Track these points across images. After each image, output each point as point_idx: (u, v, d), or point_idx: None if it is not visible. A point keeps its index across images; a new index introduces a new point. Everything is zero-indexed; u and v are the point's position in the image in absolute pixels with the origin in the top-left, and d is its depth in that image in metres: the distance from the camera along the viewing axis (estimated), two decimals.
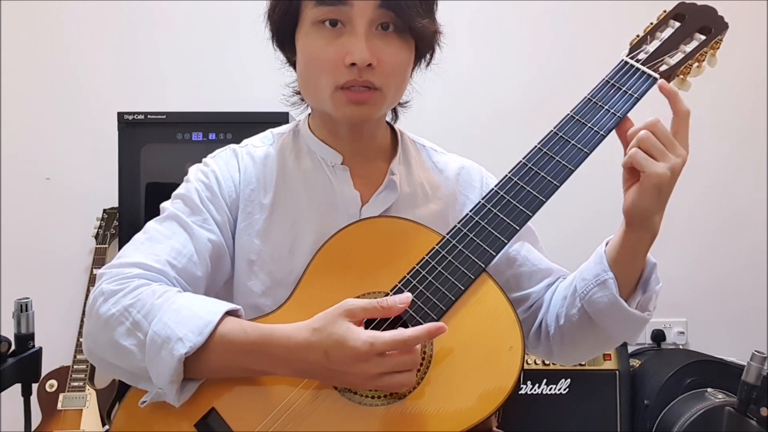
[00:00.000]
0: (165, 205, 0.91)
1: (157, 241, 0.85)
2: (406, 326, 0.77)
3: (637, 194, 0.78)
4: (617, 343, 0.91)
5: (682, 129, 0.79)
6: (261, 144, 0.98)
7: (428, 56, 0.94)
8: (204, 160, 0.96)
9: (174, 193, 0.92)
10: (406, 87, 0.93)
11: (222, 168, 0.93)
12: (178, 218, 0.87)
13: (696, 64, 0.87)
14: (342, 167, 0.94)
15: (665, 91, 0.82)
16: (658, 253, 0.86)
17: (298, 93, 0.97)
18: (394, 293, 0.79)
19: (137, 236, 0.87)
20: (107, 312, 0.77)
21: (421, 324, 0.76)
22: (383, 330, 0.72)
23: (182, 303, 0.77)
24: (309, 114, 1.00)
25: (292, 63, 0.95)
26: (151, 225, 0.88)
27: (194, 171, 0.94)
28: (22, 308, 1.14)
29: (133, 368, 0.76)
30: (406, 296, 0.74)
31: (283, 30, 0.90)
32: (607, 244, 0.86)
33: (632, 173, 0.80)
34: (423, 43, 0.90)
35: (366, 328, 0.74)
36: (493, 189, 0.84)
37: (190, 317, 0.75)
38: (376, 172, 0.95)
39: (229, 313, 0.77)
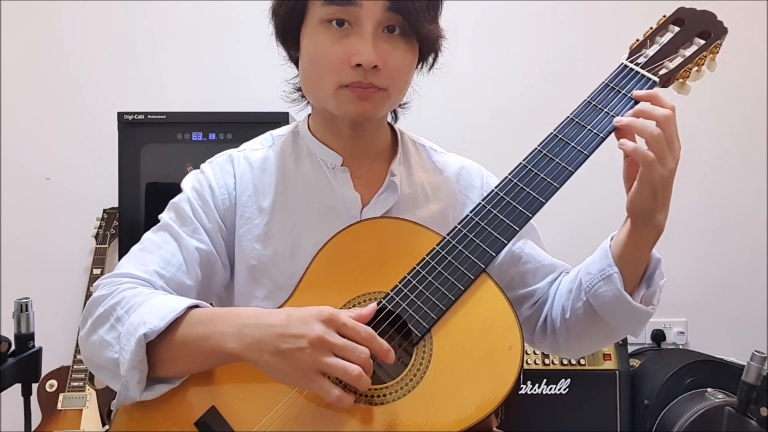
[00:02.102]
0: (162, 216, 0.93)
1: (149, 251, 0.88)
2: (404, 326, 0.78)
3: (635, 193, 0.80)
4: (622, 335, 0.93)
5: (673, 125, 0.79)
6: (260, 146, 0.98)
7: (431, 60, 0.94)
8: (201, 166, 0.97)
9: (170, 202, 0.94)
10: (407, 90, 0.93)
11: (217, 175, 0.94)
12: (170, 228, 0.90)
13: (695, 68, 0.87)
14: (342, 169, 0.94)
15: (643, 98, 0.82)
16: (658, 252, 0.86)
17: (299, 90, 0.97)
18: (395, 293, 0.79)
19: (134, 247, 0.90)
20: (96, 313, 0.80)
21: (422, 324, 0.77)
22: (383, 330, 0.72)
23: (162, 299, 0.79)
24: (309, 114, 1.00)
25: (294, 60, 0.95)
26: (146, 235, 0.91)
27: (189, 179, 0.95)
28: (22, 308, 1.14)
29: (110, 362, 0.77)
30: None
31: (289, 26, 0.90)
32: (611, 239, 0.87)
33: (632, 168, 0.81)
34: (427, 47, 0.90)
35: None
36: (493, 190, 0.84)
37: (161, 307, 0.77)
38: (376, 173, 0.95)
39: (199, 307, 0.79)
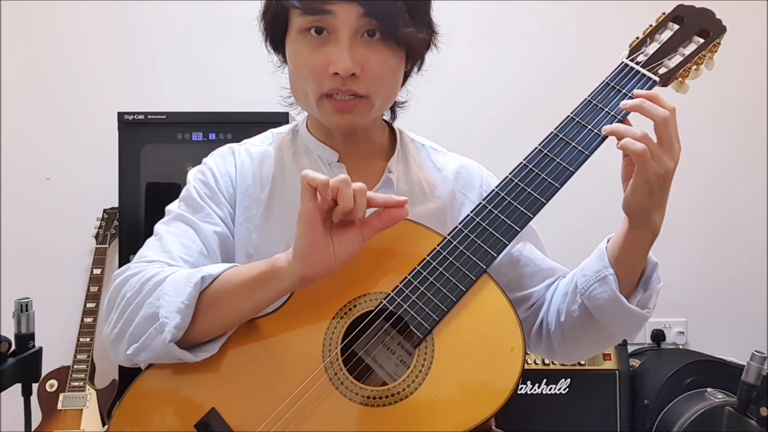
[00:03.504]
0: (170, 208, 0.93)
1: (167, 240, 0.88)
2: (407, 327, 0.78)
3: (630, 190, 0.80)
4: (617, 340, 0.92)
5: (671, 126, 0.79)
6: (260, 143, 1.00)
7: (419, 62, 0.94)
8: (203, 160, 0.98)
9: (180, 196, 0.95)
10: (396, 93, 0.93)
11: (219, 164, 0.95)
12: (183, 217, 0.90)
13: (694, 67, 0.87)
14: (338, 165, 0.94)
15: (643, 97, 0.81)
16: (657, 252, 0.86)
17: None
18: (396, 294, 0.79)
19: (149, 240, 0.90)
20: (131, 290, 0.79)
21: (423, 325, 0.77)
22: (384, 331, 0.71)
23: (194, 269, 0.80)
24: (308, 114, 1.00)
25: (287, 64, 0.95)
26: (159, 227, 0.91)
27: (193, 172, 0.97)
28: (22, 308, 1.14)
29: (145, 320, 0.76)
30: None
31: (274, 34, 0.91)
32: (608, 241, 0.87)
33: (629, 168, 0.81)
34: (412, 51, 0.89)
35: (361, 326, 0.78)
36: (494, 190, 0.84)
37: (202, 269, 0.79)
38: (373, 170, 0.96)
39: None
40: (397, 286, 0.79)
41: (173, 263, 0.84)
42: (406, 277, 0.80)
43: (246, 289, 0.77)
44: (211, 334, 0.78)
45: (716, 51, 0.88)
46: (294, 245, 0.74)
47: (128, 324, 0.78)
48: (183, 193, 0.94)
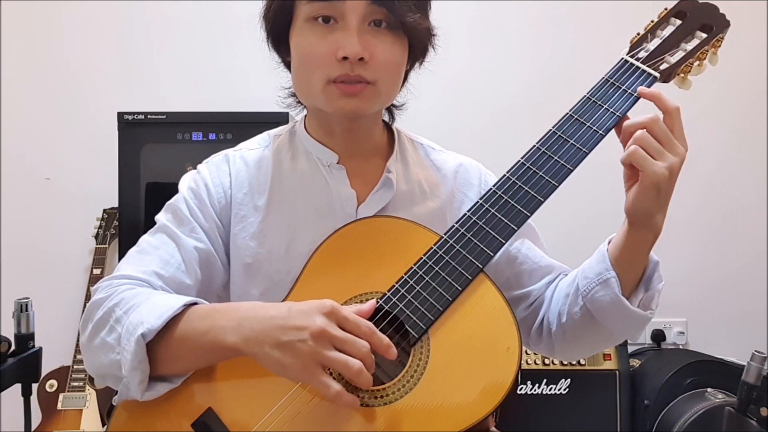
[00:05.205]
0: (158, 217, 0.93)
1: (147, 253, 0.88)
2: (402, 327, 0.78)
3: (636, 194, 0.79)
4: (619, 340, 0.92)
5: (676, 126, 0.79)
6: (257, 146, 0.99)
7: (422, 55, 0.94)
8: (198, 166, 0.98)
9: (166, 203, 0.94)
10: (399, 85, 0.93)
11: (213, 174, 0.94)
12: (167, 229, 0.90)
13: (697, 62, 0.86)
14: (338, 166, 0.94)
15: (647, 96, 0.81)
16: (657, 252, 0.86)
17: (294, 95, 0.98)
18: (392, 294, 0.79)
19: (131, 251, 0.90)
20: (96, 317, 0.80)
21: (419, 324, 0.77)
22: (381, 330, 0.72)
23: (160, 298, 0.79)
24: (305, 115, 1.00)
25: (287, 64, 0.95)
26: (143, 238, 0.91)
27: (186, 179, 0.96)
28: (22, 308, 1.14)
29: (113, 365, 0.77)
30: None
31: (278, 29, 0.91)
32: (609, 242, 0.86)
33: (633, 171, 0.80)
34: (416, 41, 0.90)
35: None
36: (491, 189, 0.83)
37: (159, 306, 0.76)
38: (372, 170, 0.95)
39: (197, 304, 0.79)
40: (393, 285, 0.79)
41: (147, 278, 0.84)
42: (402, 277, 0.80)
43: (196, 353, 0.76)
44: (176, 369, 0.78)
45: (719, 46, 0.87)
46: (271, 356, 0.70)
47: (95, 358, 0.80)
48: (172, 200, 0.93)
